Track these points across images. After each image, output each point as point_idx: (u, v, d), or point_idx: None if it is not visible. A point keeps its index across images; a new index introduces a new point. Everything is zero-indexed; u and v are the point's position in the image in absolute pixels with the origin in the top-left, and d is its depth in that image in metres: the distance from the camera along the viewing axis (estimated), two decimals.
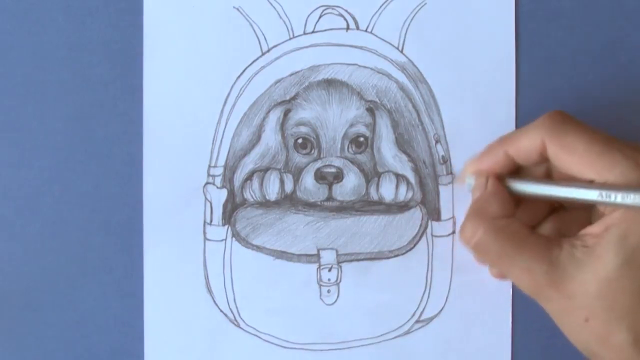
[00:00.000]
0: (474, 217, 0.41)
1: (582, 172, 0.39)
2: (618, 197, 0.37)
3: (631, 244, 0.37)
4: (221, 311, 0.46)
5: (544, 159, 0.40)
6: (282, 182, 0.46)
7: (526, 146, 0.41)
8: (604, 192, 0.38)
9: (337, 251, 0.46)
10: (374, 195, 0.46)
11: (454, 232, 0.46)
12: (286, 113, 0.46)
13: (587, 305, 0.38)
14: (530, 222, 0.43)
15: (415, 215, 0.46)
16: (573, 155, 0.39)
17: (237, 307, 0.46)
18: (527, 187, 0.42)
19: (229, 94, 0.46)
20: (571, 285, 0.38)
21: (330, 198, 0.46)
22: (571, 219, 0.42)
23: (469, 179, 0.43)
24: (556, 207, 0.44)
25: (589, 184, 0.39)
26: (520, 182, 0.42)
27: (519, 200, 0.43)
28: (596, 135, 0.39)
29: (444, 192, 0.46)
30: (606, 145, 0.38)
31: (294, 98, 0.46)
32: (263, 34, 0.46)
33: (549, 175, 0.43)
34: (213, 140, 0.46)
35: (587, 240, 0.38)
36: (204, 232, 0.46)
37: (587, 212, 0.41)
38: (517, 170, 0.43)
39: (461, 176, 0.45)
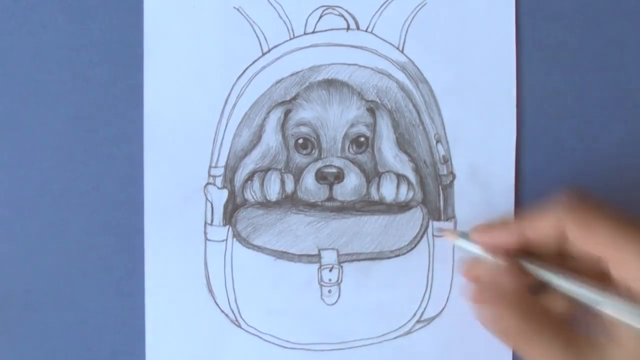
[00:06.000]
0: (495, 301, 0.41)
1: (599, 263, 0.39)
2: (630, 320, 0.38)
3: None
4: (222, 312, 0.46)
5: (559, 245, 0.40)
6: (282, 182, 0.46)
7: (542, 233, 0.40)
8: (622, 309, 0.38)
9: (338, 251, 0.46)
10: (374, 195, 0.46)
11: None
12: (287, 113, 0.46)
13: None
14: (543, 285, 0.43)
15: (416, 215, 0.46)
16: (595, 239, 0.39)
17: (238, 308, 0.46)
18: (539, 274, 0.41)
19: (229, 94, 0.46)
20: None
21: (331, 198, 0.46)
22: None
23: (464, 242, 0.43)
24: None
25: (608, 294, 0.39)
26: (537, 268, 0.41)
27: None
28: (616, 225, 0.39)
29: (445, 192, 0.46)
30: (626, 239, 0.38)
31: (294, 98, 0.46)
32: (263, 34, 0.46)
33: (562, 251, 0.42)
34: (214, 141, 0.46)
35: (606, 322, 0.39)
36: (205, 233, 0.46)
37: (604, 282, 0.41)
38: (529, 251, 0.42)
39: (455, 235, 0.45)
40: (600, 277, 0.40)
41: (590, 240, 0.39)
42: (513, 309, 0.40)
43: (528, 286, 0.42)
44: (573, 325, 0.40)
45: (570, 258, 0.42)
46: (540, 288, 0.43)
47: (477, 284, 0.43)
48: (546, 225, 0.40)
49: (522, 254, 0.42)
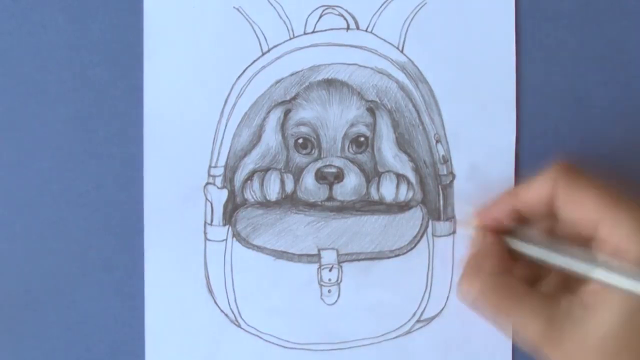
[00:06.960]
0: (471, 273, 0.41)
1: (588, 227, 0.39)
2: (621, 283, 0.38)
3: (631, 305, 0.37)
4: (222, 311, 0.46)
5: (550, 211, 0.41)
6: (282, 182, 0.46)
7: (534, 198, 0.41)
8: (606, 273, 0.38)
9: (337, 251, 0.46)
10: (374, 195, 0.46)
11: (454, 232, 0.46)
12: (286, 113, 0.46)
13: None
14: (530, 275, 0.43)
15: (416, 215, 0.47)
16: (581, 209, 0.39)
17: (237, 308, 0.46)
18: (526, 249, 0.42)
19: (229, 94, 0.46)
20: (569, 343, 0.38)
21: (330, 198, 0.46)
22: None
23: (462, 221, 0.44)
24: None
25: (592, 259, 0.39)
26: (520, 243, 0.42)
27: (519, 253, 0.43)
28: (605, 190, 0.39)
29: (445, 191, 0.46)
30: (614, 202, 0.38)
31: (294, 98, 0.46)
32: (263, 34, 0.46)
33: (553, 229, 0.42)
34: (213, 141, 0.46)
35: (586, 298, 0.39)
36: (205, 233, 0.46)
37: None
38: (522, 221, 0.43)
39: (465, 222, 0.45)
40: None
41: (580, 201, 0.39)
42: (492, 283, 0.40)
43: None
44: (554, 302, 0.39)
45: (559, 235, 0.42)
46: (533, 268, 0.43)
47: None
48: (538, 189, 0.41)
49: (518, 222, 0.42)
